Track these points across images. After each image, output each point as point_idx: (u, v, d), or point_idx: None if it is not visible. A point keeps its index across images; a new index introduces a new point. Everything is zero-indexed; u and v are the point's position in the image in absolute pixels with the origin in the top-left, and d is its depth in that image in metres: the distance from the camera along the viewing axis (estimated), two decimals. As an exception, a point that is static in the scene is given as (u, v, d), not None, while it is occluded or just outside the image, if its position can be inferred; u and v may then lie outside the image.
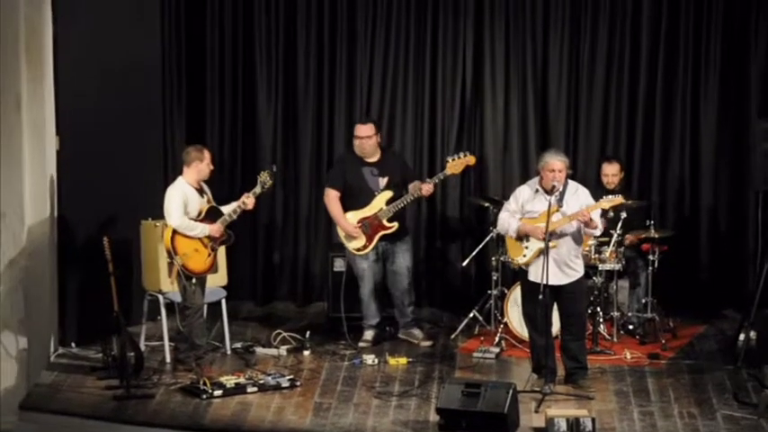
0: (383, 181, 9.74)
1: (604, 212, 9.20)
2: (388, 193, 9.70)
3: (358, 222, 9.71)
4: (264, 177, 9.25)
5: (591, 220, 8.51)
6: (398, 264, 9.82)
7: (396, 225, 9.68)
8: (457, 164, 9.63)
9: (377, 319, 9.92)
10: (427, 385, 8.84)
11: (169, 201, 9.03)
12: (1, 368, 8.73)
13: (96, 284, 9.23)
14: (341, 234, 9.84)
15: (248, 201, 9.21)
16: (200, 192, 9.17)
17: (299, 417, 8.21)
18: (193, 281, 9.07)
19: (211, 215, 9.16)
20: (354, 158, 9.81)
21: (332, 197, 9.80)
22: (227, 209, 9.23)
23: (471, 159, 9.67)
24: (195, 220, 9.08)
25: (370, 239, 9.71)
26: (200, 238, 9.07)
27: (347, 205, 9.77)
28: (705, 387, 8.78)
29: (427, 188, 9.62)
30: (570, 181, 8.74)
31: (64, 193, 9.51)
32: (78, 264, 9.69)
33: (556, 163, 8.54)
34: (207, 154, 9.17)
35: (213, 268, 9.24)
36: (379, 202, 9.71)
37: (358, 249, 9.75)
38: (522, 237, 8.66)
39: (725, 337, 10.03)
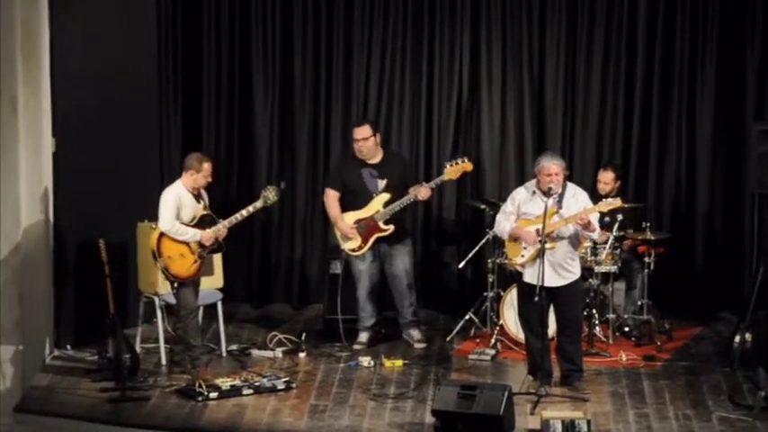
0: (382, 183, 9.71)
1: (600, 218, 9.18)
2: (386, 196, 9.67)
3: (354, 223, 9.70)
4: (269, 192, 9.15)
5: (589, 222, 8.50)
6: (396, 266, 9.80)
7: (392, 228, 9.66)
8: (454, 170, 9.60)
9: (372, 320, 9.91)
10: (423, 387, 8.84)
11: (162, 204, 8.97)
12: (-3, 370, 8.76)
13: (92, 287, 9.22)
14: (337, 234, 9.83)
15: (246, 214, 9.13)
16: (198, 198, 9.11)
17: (294, 419, 8.20)
18: (174, 285, 9.03)
19: (205, 222, 9.08)
20: (355, 160, 9.78)
21: (330, 197, 9.80)
22: (228, 219, 9.19)
23: (469, 166, 9.64)
24: (188, 226, 9.04)
25: (365, 241, 9.69)
26: (188, 244, 9.02)
27: (346, 206, 9.75)
28: (701, 389, 8.77)
29: (425, 193, 9.61)
30: (569, 183, 8.73)
31: (60, 195, 9.49)
32: (74, 266, 9.68)
33: (552, 167, 8.52)
34: (206, 166, 9.01)
35: (202, 271, 9.13)
36: (377, 204, 9.68)
37: (353, 250, 9.73)
38: (515, 239, 8.66)
39: (720, 339, 10.02)
